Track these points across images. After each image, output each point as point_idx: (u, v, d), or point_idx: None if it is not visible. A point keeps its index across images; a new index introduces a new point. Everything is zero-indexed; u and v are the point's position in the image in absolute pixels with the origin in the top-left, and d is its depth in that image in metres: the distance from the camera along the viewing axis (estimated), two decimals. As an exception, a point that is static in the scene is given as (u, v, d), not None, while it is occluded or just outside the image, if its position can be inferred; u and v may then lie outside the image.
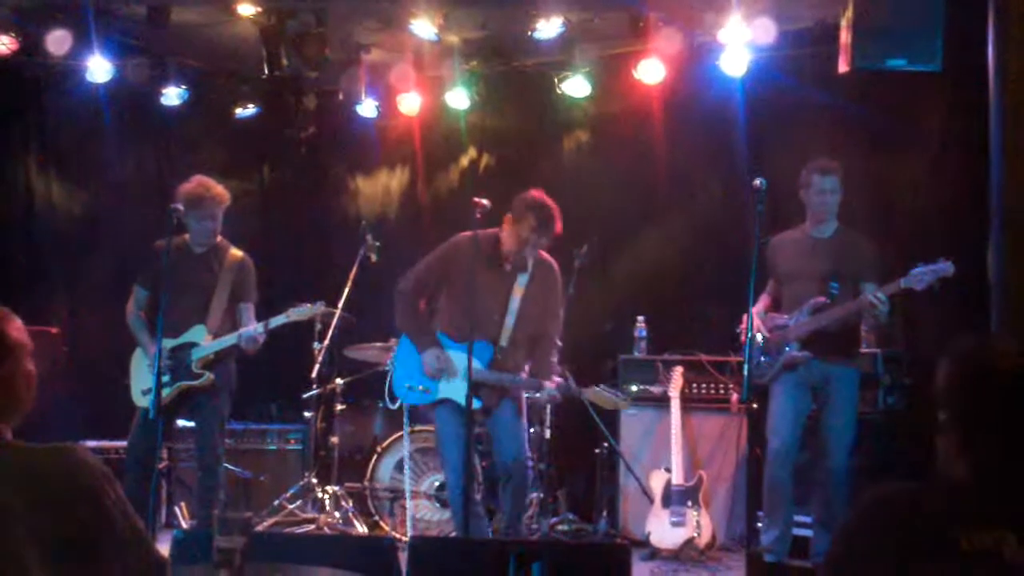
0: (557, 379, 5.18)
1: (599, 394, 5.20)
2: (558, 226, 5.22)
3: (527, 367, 5.37)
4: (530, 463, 5.39)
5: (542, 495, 6.56)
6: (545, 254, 5.39)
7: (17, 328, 2.25)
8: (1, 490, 2.04)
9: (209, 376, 5.70)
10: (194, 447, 6.07)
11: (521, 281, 5.27)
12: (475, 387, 5.07)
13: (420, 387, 5.24)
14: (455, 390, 5.14)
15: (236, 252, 5.93)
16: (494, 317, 5.21)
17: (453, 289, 5.31)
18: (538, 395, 5.24)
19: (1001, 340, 2.04)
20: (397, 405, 6.33)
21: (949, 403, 2.03)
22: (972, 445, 2.00)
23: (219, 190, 5.83)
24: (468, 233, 5.32)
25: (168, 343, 5.64)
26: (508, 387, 5.23)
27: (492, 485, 6.47)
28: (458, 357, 5.14)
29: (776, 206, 5.28)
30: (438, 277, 5.38)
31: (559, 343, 5.43)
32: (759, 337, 5.54)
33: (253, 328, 5.72)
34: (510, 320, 5.24)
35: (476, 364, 5.08)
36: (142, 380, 5.73)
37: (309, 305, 5.92)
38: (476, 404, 5.07)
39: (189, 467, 6.69)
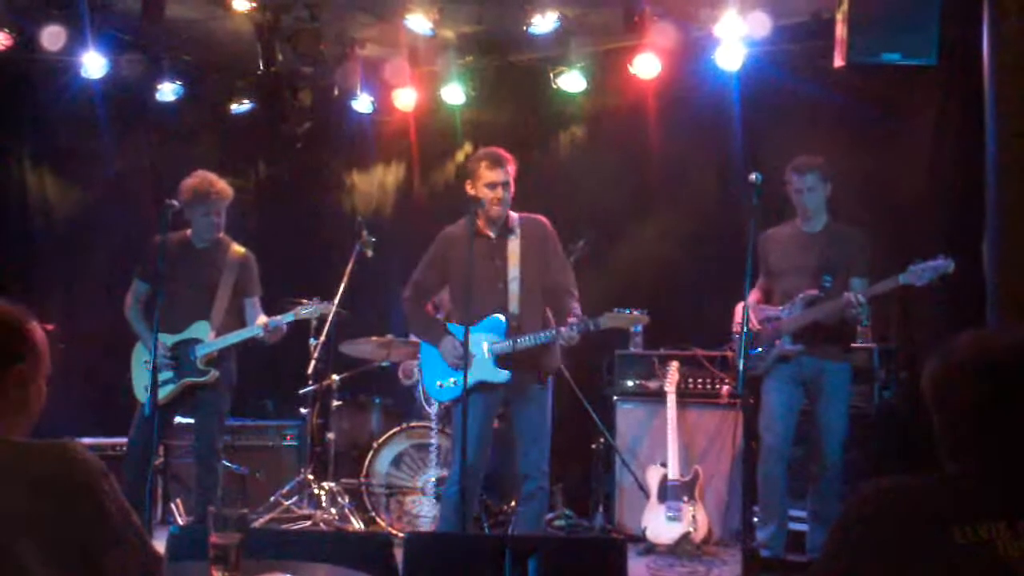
0: (571, 319, 5.08)
1: (616, 317, 5.10)
2: (507, 155, 5.22)
3: (551, 320, 5.30)
4: (547, 479, 5.30)
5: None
6: (532, 215, 5.37)
7: (40, 334, 2.27)
8: (-2, 487, 2.05)
9: (214, 373, 5.69)
10: (192, 443, 6.05)
11: (513, 246, 5.22)
12: (499, 360, 5.09)
13: (451, 380, 5.22)
14: (482, 371, 5.10)
15: (238, 248, 5.92)
16: (498, 286, 5.16)
17: (453, 278, 5.30)
18: (560, 341, 5.17)
19: (985, 334, 2.05)
20: (437, 408, 6.39)
21: (934, 403, 2.04)
22: (959, 446, 2.01)
23: (223, 185, 5.83)
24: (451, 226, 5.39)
25: (170, 339, 5.65)
26: (532, 348, 5.12)
27: (488, 480, 6.47)
28: (472, 340, 5.10)
29: (771, 200, 5.28)
30: (437, 273, 5.37)
31: (575, 292, 5.32)
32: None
33: (279, 318, 5.78)
34: (514, 286, 5.18)
35: (494, 338, 5.08)
36: (144, 375, 5.69)
37: (315, 304, 5.96)
38: (505, 376, 5.08)
39: (185, 463, 6.70)
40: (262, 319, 5.82)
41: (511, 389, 5.20)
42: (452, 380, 5.22)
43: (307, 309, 5.92)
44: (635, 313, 5.13)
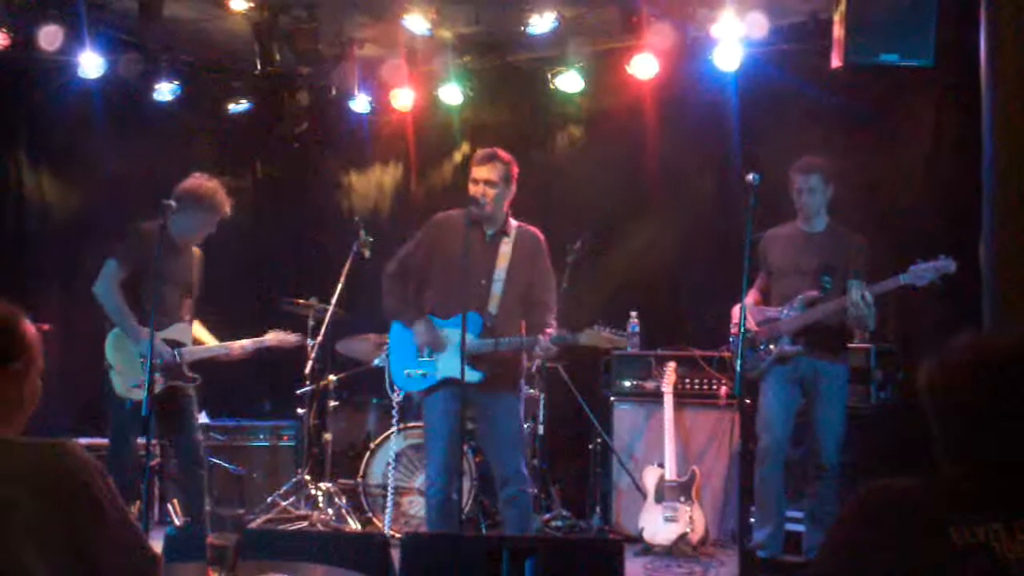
0: (549, 331, 5.00)
1: (596, 335, 4.96)
2: (499, 154, 5.19)
3: (523, 329, 5.20)
4: (528, 482, 5.25)
5: (535, 491, 6.55)
6: (529, 226, 5.33)
7: (32, 331, 2.27)
8: (-2, 486, 2.05)
9: (199, 378, 5.68)
10: (181, 444, 5.97)
11: (505, 248, 5.18)
12: (472, 359, 4.92)
13: (419, 371, 5.15)
14: (452, 367, 4.98)
15: (196, 248, 5.89)
16: (481, 282, 5.10)
17: (438, 265, 5.23)
18: (536, 350, 5.06)
19: (979, 335, 2.05)
20: (400, 396, 6.31)
21: (930, 406, 2.04)
22: (956, 447, 2.01)
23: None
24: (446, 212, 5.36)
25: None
26: (506, 352, 5.06)
27: (486, 481, 6.48)
28: (448, 334, 5.08)
29: (769, 201, 5.28)
30: (423, 256, 5.28)
31: (553, 308, 5.23)
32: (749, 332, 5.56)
33: (251, 344, 5.88)
34: (497, 287, 5.13)
35: (469, 336, 4.94)
36: (133, 371, 5.46)
37: (286, 334, 6.12)
38: (477, 376, 4.92)
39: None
40: (246, 342, 5.89)
41: (485, 394, 5.07)
42: (421, 372, 5.14)
43: (280, 336, 6.05)
44: (615, 335, 4.99)
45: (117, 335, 5.54)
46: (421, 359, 5.16)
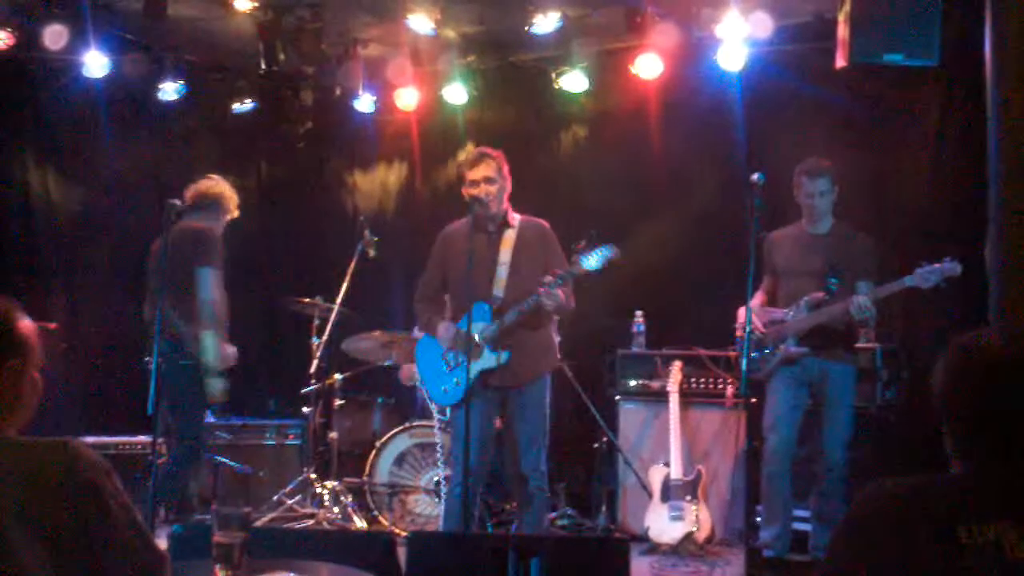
0: (546, 278, 4.98)
1: (588, 258, 4.98)
2: (488, 151, 5.24)
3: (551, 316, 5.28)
4: (546, 480, 5.31)
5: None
6: (532, 218, 5.37)
7: (28, 327, 2.25)
8: (0, 486, 2.04)
9: None
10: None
11: (508, 235, 5.24)
12: (492, 344, 5.08)
13: (454, 381, 5.21)
14: (479, 360, 5.08)
15: None
16: (487, 274, 5.17)
17: (452, 276, 5.31)
18: (547, 302, 5.02)
19: (986, 334, 2.04)
20: (449, 414, 6.29)
21: (939, 406, 2.04)
22: (965, 444, 2.01)
23: None
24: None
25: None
26: (525, 325, 5.12)
27: (490, 480, 6.48)
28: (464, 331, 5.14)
29: (774, 201, 5.28)
30: (438, 274, 5.39)
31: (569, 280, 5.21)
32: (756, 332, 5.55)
33: None
34: (502, 271, 5.17)
35: (481, 324, 5.08)
36: (222, 376, 5.66)
37: None
38: (505, 358, 5.05)
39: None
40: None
41: (512, 388, 5.17)
42: (455, 380, 5.21)
43: None
44: (603, 249, 4.99)
45: (217, 339, 5.63)
46: (451, 371, 5.22)
